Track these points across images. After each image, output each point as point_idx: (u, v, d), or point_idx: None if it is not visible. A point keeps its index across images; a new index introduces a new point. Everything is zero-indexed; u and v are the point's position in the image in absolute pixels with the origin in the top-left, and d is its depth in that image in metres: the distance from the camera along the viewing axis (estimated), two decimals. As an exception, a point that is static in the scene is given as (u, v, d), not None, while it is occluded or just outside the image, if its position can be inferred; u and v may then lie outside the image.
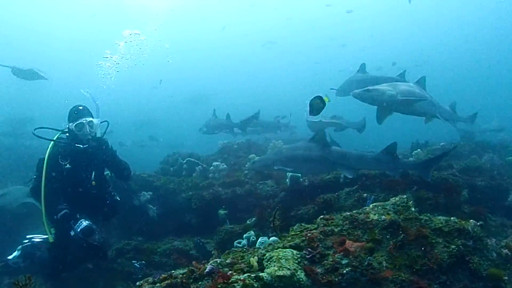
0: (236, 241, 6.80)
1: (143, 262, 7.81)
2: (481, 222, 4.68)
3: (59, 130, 7.54)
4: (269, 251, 3.85)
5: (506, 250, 4.62)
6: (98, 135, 7.52)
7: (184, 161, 11.05)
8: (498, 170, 9.98)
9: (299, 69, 51.65)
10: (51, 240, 7.00)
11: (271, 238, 5.37)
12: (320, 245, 3.93)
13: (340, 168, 8.03)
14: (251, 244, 6.61)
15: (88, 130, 7.23)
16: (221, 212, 8.64)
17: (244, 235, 6.88)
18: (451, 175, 8.44)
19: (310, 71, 48.72)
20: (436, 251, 4.14)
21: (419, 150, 10.58)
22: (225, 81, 52.40)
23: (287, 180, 8.67)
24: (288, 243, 4.00)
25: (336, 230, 4.24)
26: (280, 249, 3.82)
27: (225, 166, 10.43)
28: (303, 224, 4.51)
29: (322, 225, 4.34)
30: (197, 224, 8.98)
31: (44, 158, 7.10)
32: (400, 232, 4.23)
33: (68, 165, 7.13)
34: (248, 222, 7.88)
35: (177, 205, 9.48)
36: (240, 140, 13.30)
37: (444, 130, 15.21)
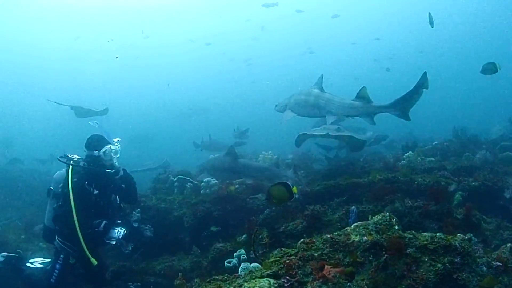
0: (226, 261, 6.71)
1: (138, 284, 7.76)
2: (469, 235, 4.53)
3: (66, 158, 7.70)
4: (247, 281, 3.73)
5: (497, 263, 4.48)
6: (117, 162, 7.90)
7: (175, 179, 10.90)
8: (491, 168, 9.81)
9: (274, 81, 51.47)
10: (95, 263, 7.12)
11: (252, 264, 5.21)
12: (299, 272, 3.78)
13: (243, 176, 9.92)
14: (242, 262, 6.47)
15: (112, 156, 7.67)
16: (214, 229, 8.57)
17: (235, 254, 6.78)
18: (443, 178, 8.34)
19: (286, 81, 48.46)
20: (421, 270, 4.01)
21: (410, 152, 10.43)
22: (220, 95, 52.11)
23: (277, 193, 8.53)
24: (266, 272, 3.84)
25: (316, 254, 4.07)
26: (257, 279, 3.68)
27: (215, 181, 10.26)
28: (283, 248, 4.33)
29: (302, 249, 4.17)
30: (190, 242, 8.86)
31: (67, 185, 7.24)
32: (383, 253, 4.09)
33: (95, 191, 7.42)
34: (238, 239, 7.75)
35: (169, 224, 9.35)
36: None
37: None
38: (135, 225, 8.75)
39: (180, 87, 49.90)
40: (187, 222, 9.02)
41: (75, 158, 7.66)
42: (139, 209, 9.31)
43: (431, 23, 11.42)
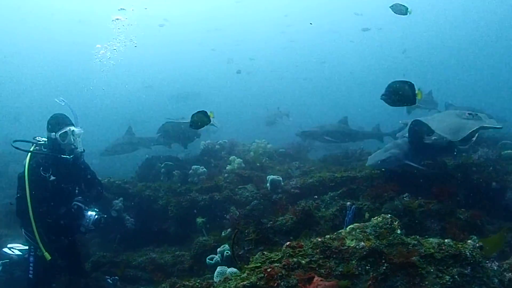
0: (208, 257, 6.24)
1: (116, 277, 7.28)
2: (480, 244, 3.93)
3: (30, 142, 7.03)
4: (219, 293, 3.13)
5: (510, 274, 3.91)
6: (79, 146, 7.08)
7: (162, 165, 10.37)
8: (493, 166, 9.28)
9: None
10: (48, 258, 6.51)
11: (229, 269, 4.62)
12: (282, 283, 3.17)
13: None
14: (225, 259, 6.11)
15: (72, 139, 6.84)
16: (199, 220, 8.07)
17: (218, 249, 6.36)
18: (445, 175, 7.82)
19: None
20: (426, 283, 3.42)
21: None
22: (213, 79, 50.86)
23: (267, 184, 8.04)
24: (242, 282, 3.22)
25: (303, 262, 3.44)
26: (231, 291, 3.08)
27: (204, 169, 9.76)
28: (265, 252, 3.70)
29: (287, 255, 3.55)
30: (175, 233, 8.51)
31: (23, 173, 6.61)
32: (383, 262, 3.51)
33: (52, 177, 6.70)
34: (222, 233, 7.29)
35: (154, 213, 8.92)
36: (223, 140, 12.54)
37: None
38: (114, 214, 8.27)
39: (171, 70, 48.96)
40: (171, 212, 8.59)
41: (41, 141, 7.00)
42: (121, 198, 8.83)
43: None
